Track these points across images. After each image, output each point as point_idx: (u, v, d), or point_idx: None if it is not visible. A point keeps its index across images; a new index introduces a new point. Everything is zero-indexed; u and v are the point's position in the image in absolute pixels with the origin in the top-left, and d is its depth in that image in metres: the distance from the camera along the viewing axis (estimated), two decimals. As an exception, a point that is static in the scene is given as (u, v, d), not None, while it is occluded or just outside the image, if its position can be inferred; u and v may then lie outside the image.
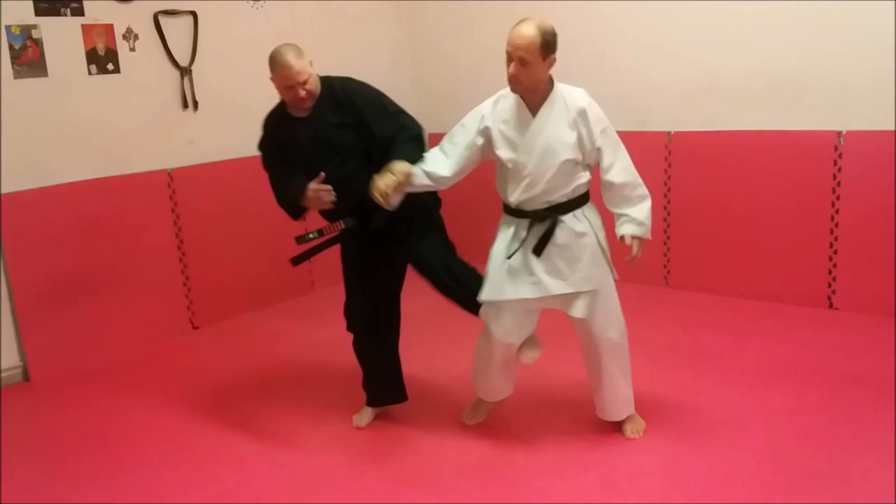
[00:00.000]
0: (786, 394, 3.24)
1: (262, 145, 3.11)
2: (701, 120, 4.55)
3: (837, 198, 4.11)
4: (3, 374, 3.89)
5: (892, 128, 3.91)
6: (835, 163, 4.09)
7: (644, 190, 2.82)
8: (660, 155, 4.67)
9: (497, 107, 2.78)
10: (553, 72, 2.77)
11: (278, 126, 3.03)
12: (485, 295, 2.83)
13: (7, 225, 3.83)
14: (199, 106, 4.56)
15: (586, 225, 2.79)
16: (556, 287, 2.74)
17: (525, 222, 2.78)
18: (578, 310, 2.77)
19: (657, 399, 3.27)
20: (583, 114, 2.71)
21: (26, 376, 3.96)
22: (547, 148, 2.69)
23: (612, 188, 2.78)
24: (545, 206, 2.75)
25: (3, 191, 3.82)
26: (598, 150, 2.73)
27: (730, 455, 2.79)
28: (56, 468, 3.05)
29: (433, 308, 3.53)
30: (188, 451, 3.11)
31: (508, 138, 2.74)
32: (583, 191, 2.80)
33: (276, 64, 2.88)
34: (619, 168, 2.76)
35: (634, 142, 4.74)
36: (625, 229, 2.79)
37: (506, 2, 5.15)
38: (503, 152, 2.74)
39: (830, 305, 4.22)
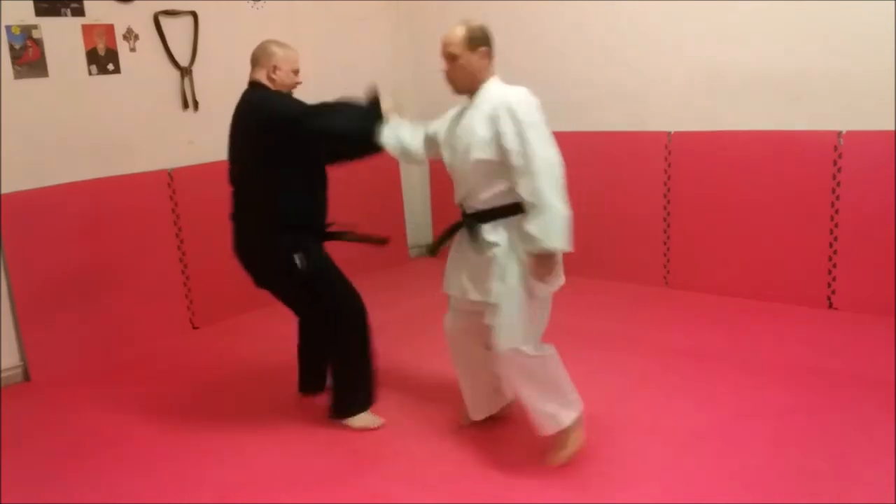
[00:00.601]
0: (786, 394, 3.24)
1: (298, 103, 3.00)
2: (701, 120, 4.55)
3: (837, 198, 4.11)
4: (3, 374, 3.89)
5: (892, 128, 3.91)
6: (834, 163, 4.09)
7: (549, 201, 2.49)
8: (660, 155, 4.67)
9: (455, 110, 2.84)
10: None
11: None
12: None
13: (7, 225, 3.83)
14: (200, 106, 4.56)
15: (501, 237, 2.64)
16: (472, 293, 2.74)
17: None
18: (488, 318, 2.71)
19: (657, 399, 3.27)
20: (507, 110, 2.53)
21: (26, 376, 3.96)
22: (465, 147, 2.64)
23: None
24: (472, 210, 2.72)
25: (3, 191, 3.82)
26: (508, 152, 2.54)
27: (730, 455, 2.79)
28: (56, 468, 3.05)
29: (429, 308, 3.53)
30: (188, 450, 3.11)
31: (445, 138, 2.80)
32: (506, 201, 2.62)
33: (284, 48, 3.04)
34: (525, 180, 2.52)
35: (634, 142, 4.80)
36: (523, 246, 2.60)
37: (506, 2, 5.16)
38: (443, 152, 2.82)
39: (830, 305, 4.22)
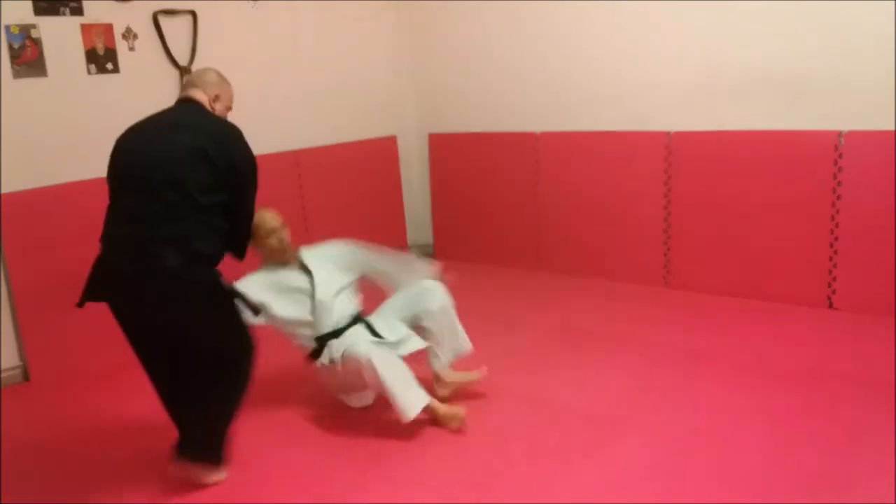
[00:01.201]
0: (785, 394, 3.24)
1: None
2: (700, 120, 4.55)
3: (838, 198, 4.11)
4: (3, 374, 3.89)
5: (893, 128, 3.91)
6: (835, 163, 4.09)
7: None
8: (659, 155, 4.68)
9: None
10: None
11: None
12: None
13: (7, 225, 3.83)
14: (199, 106, 4.56)
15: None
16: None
17: None
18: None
19: (657, 399, 3.27)
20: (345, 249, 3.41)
21: (26, 376, 3.96)
22: (338, 287, 3.39)
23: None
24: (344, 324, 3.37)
25: (3, 191, 3.82)
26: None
27: (729, 455, 2.79)
28: (56, 468, 3.05)
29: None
30: (188, 451, 3.11)
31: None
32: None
33: (226, 82, 2.94)
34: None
35: (634, 142, 4.79)
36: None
37: (506, 2, 5.16)
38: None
39: (830, 305, 4.22)
